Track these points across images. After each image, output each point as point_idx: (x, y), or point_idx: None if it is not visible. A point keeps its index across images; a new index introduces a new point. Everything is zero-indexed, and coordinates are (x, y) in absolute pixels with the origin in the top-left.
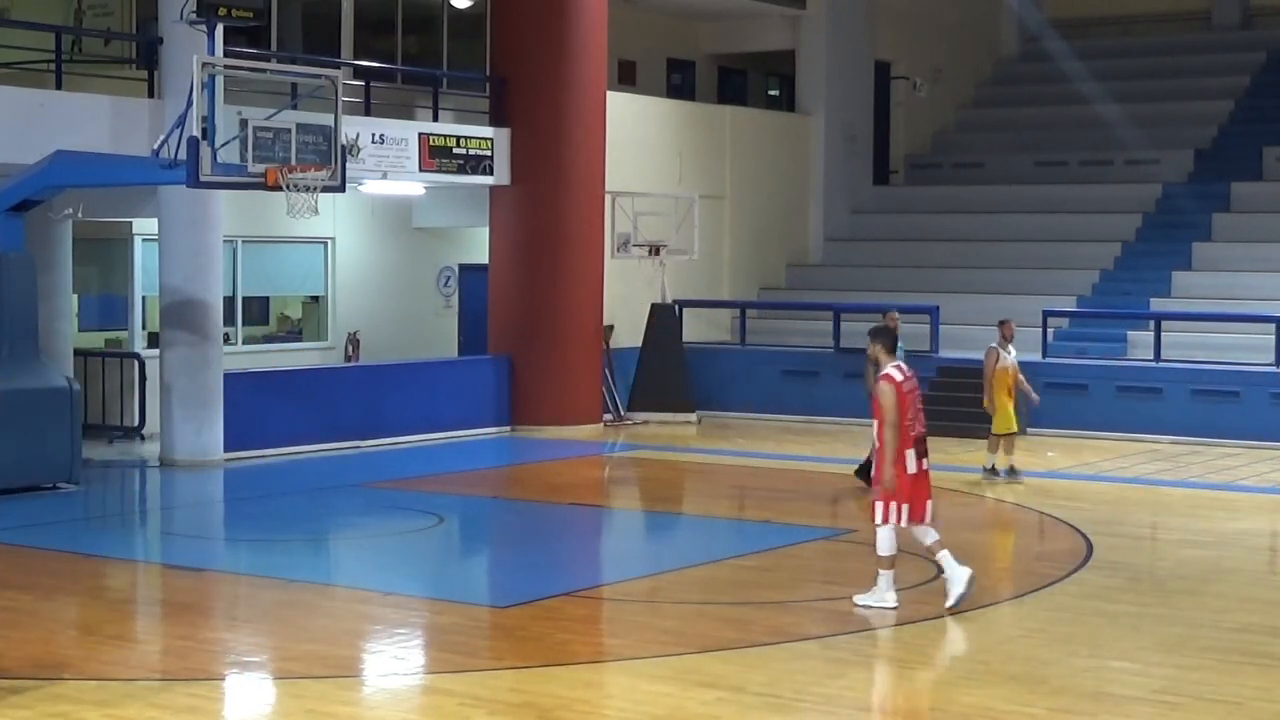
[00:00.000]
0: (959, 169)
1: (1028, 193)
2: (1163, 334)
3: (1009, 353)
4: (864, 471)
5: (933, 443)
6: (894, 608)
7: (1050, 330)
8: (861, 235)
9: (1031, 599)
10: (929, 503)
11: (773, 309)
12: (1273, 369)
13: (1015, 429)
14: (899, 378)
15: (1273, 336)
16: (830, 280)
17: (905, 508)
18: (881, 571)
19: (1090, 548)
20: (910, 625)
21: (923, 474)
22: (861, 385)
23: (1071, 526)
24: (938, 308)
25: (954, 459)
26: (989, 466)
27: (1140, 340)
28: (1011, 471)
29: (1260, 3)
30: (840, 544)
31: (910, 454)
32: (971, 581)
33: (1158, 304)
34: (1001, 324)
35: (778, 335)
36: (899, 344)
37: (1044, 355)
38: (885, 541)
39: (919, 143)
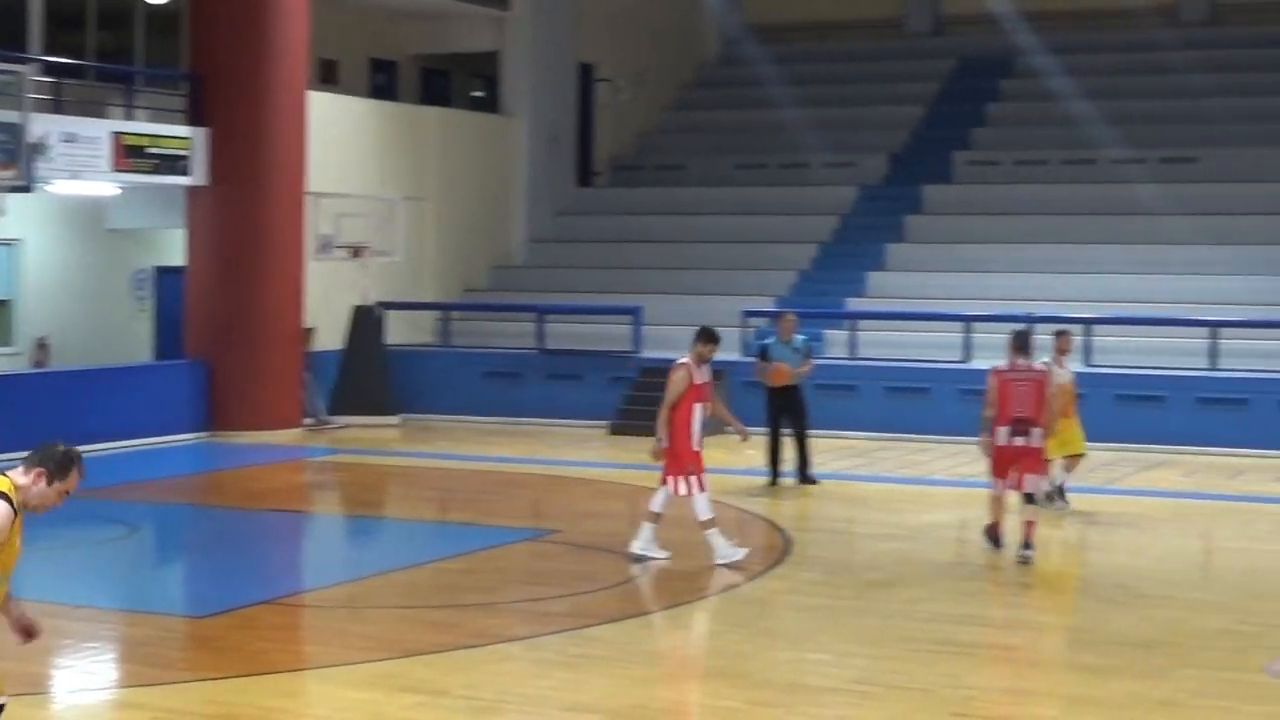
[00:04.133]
0: (661, 171)
1: (728, 195)
2: (858, 333)
3: (1065, 369)
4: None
5: (631, 443)
6: (743, 556)
7: (750, 331)
8: (565, 237)
9: (731, 594)
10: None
11: (476, 310)
12: (962, 366)
13: (1080, 450)
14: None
15: (962, 335)
16: (534, 281)
17: (695, 478)
18: (709, 533)
19: (788, 543)
20: (613, 624)
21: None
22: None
23: (770, 522)
24: (641, 308)
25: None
26: (1057, 485)
27: (837, 339)
28: (1060, 493)
29: (951, 11)
30: (544, 544)
31: (695, 433)
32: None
33: (853, 304)
34: (1058, 335)
35: (481, 337)
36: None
37: (743, 355)
38: (702, 507)
39: (622, 145)
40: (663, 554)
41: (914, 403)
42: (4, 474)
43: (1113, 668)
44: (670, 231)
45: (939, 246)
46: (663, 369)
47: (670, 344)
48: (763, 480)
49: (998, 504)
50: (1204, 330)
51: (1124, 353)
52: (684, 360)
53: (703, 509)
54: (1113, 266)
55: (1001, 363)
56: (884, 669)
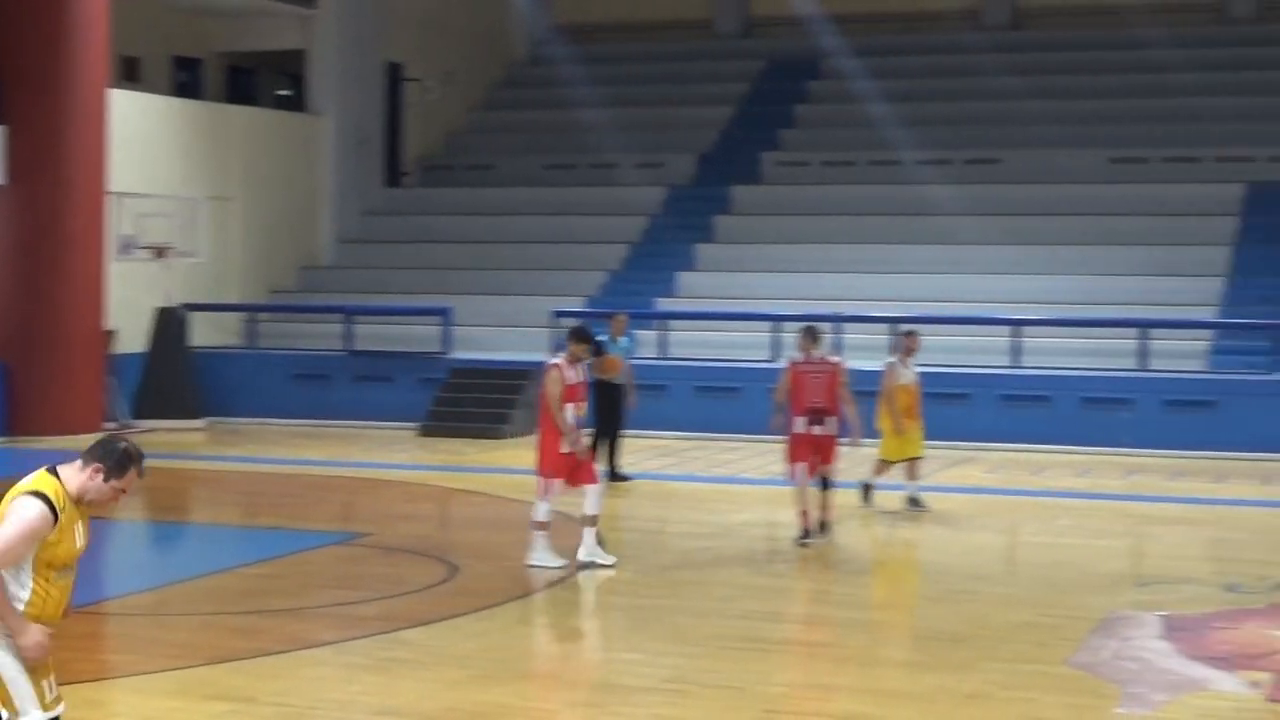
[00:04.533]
0: (470, 171)
1: (537, 195)
2: (668, 333)
3: (909, 369)
4: None
5: (443, 444)
6: (560, 566)
7: (560, 331)
8: (374, 237)
9: (544, 595)
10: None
11: (283, 312)
12: (772, 365)
13: (918, 454)
14: (566, 368)
15: (771, 335)
16: (342, 282)
17: (553, 481)
18: (538, 533)
19: (599, 543)
20: (424, 627)
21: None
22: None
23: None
24: (450, 309)
25: (465, 459)
26: (868, 484)
27: (647, 339)
28: (915, 502)
29: (760, 12)
30: (353, 548)
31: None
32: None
33: (663, 304)
34: (906, 335)
35: (288, 339)
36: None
37: (554, 355)
38: (543, 510)
39: (431, 145)
40: (608, 559)
41: (723, 402)
42: (56, 471)
43: (921, 662)
44: (480, 232)
45: (748, 247)
46: (473, 370)
47: (480, 345)
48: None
49: (800, 494)
50: (1007, 329)
51: (929, 351)
52: (555, 361)
53: (541, 512)
54: (919, 266)
55: (798, 355)
56: (697, 667)
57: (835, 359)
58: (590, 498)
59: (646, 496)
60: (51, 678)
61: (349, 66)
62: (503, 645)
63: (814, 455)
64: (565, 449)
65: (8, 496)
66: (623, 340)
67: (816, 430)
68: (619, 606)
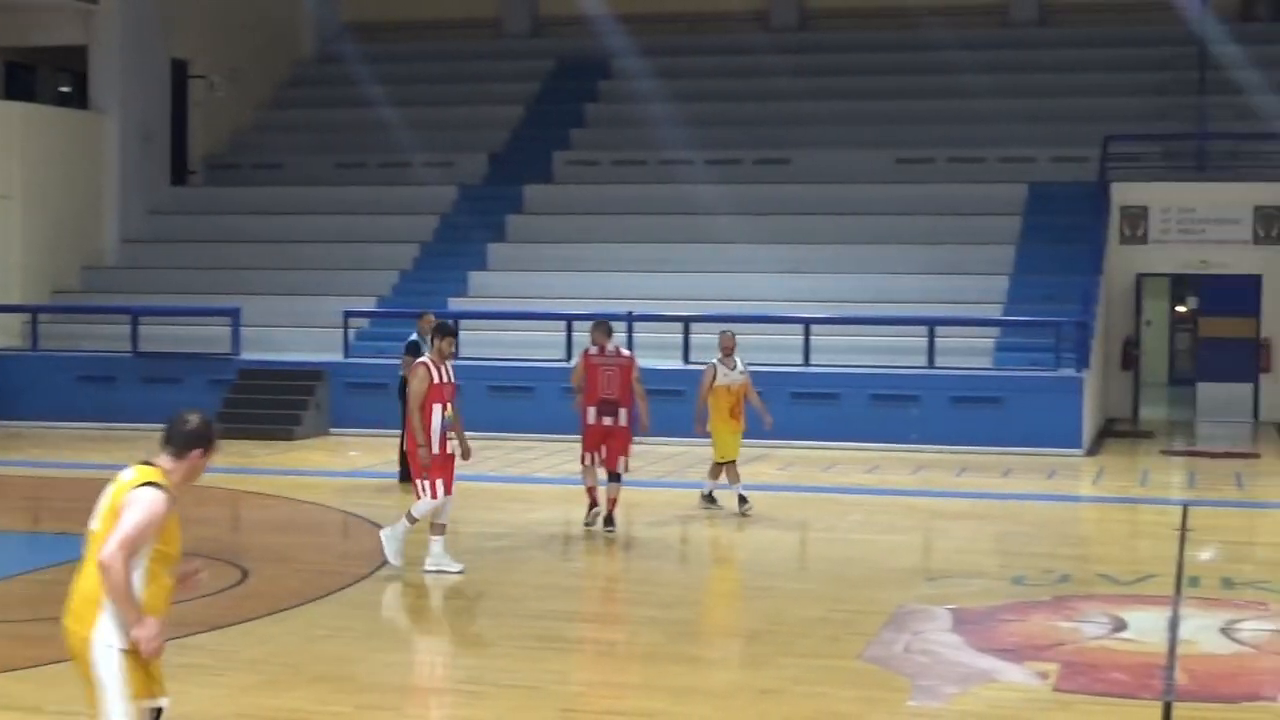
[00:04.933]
0: (259, 170)
1: (328, 194)
2: (461, 333)
3: (732, 369)
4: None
5: (234, 445)
6: (399, 565)
7: (352, 331)
8: (160, 236)
9: (337, 597)
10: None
11: (66, 313)
12: (565, 365)
13: (732, 456)
14: (433, 367)
15: (564, 334)
16: (127, 283)
17: (430, 482)
18: (399, 526)
19: None
20: (215, 631)
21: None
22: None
23: (375, 525)
24: (239, 309)
25: (253, 461)
26: (706, 493)
27: None
28: (740, 500)
29: (549, 12)
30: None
31: (436, 435)
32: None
33: (455, 303)
34: (720, 335)
35: (72, 340)
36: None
37: (346, 356)
38: (421, 508)
39: (218, 143)
40: (456, 566)
41: (517, 401)
42: (152, 464)
43: (716, 659)
44: (269, 231)
45: (540, 246)
46: (263, 370)
47: (271, 345)
48: (373, 481)
49: (589, 472)
50: (797, 327)
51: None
52: (422, 359)
53: (420, 509)
54: (709, 265)
55: (592, 348)
56: (492, 668)
57: (628, 353)
58: (438, 506)
59: None
60: (156, 687)
61: (132, 63)
62: (295, 649)
63: (604, 446)
64: (437, 449)
65: (114, 494)
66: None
67: (607, 421)
68: (414, 608)
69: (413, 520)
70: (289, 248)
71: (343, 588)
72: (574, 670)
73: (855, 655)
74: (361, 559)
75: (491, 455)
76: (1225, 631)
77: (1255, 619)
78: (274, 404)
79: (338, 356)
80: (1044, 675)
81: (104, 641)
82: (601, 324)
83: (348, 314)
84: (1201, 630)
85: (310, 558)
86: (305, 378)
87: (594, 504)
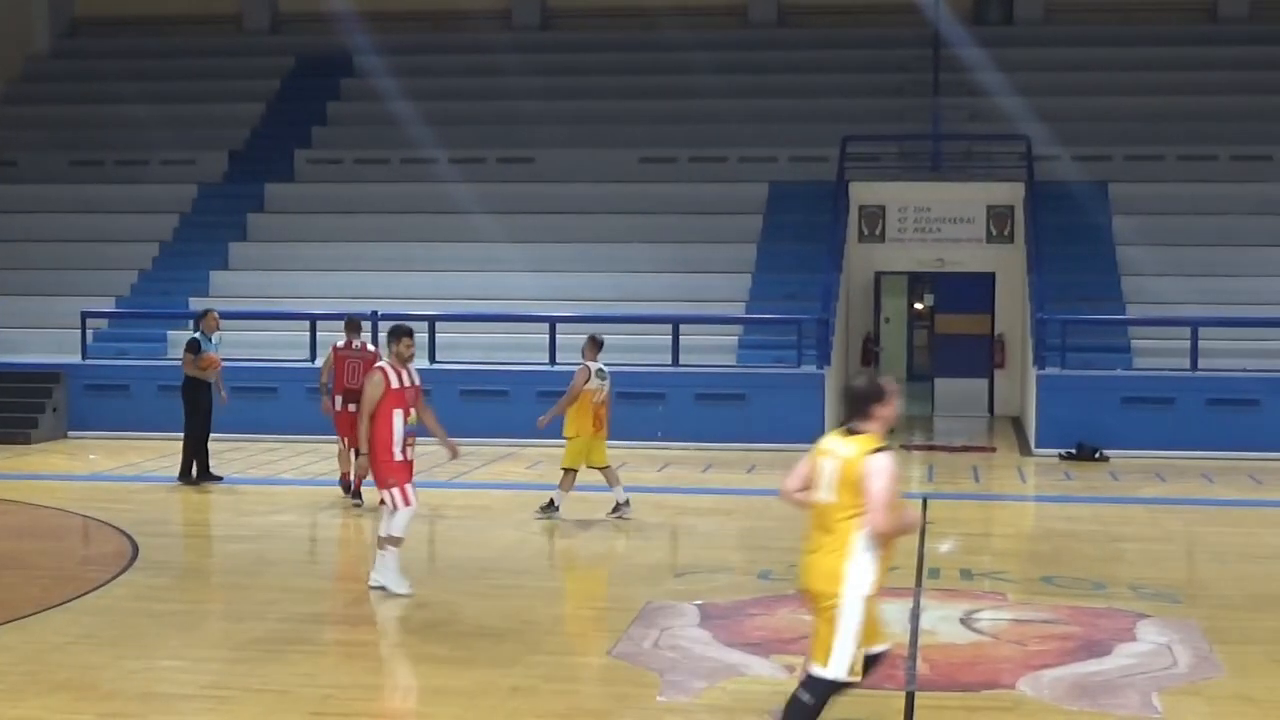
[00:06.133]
0: None
1: (64, 192)
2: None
3: (598, 377)
4: None
5: None
6: (406, 592)
7: (90, 331)
8: None
9: (78, 604)
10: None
11: None
12: (309, 365)
13: (605, 462)
14: (390, 371)
15: (308, 333)
16: None
17: (396, 491)
18: (388, 551)
19: (136, 548)
20: None
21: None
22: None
23: (116, 529)
24: None
25: None
26: (550, 503)
27: (180, 340)
28: (619, 507)
29: (289, 9)
30: None
31: (397, 441)
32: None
33: (197, 303)
34: (589, 338)
35: None
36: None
37: (84, 357)
38: (399, 523)
39: None
40: (406, 588)
41: (261, 402)
42: (854, 430)
43: (466, 658)
44: (3, 230)
45: (282, 244)
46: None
47: (6, 346)
48: (116, 485)
49: (343, 458)
50: (545, 325)
51: (468, 349)
52: (381, 364)
53: (398, 525)
54: (454, 264)
55: (340, 342)
56: (239, 672)
57: (373, 348)
58: (397, 518)
59: (183, 501)
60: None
61: None
62: (34, 657)
63: (352, 430)
64: (399, 456)
65: (849, 465)
66: (216, 337)
67: (352, 408)
68: (157, 613)
69: (396, 541)
70: (24, 247)
71: (84, 593)
72: (323, 673)
73: (605, 652)
74: (103, 564)
75: (236, 457)
76: (964, 621)
77: (993, 609)
78: (10, 406)
79: (76, 358)
80: (791, 668)
81: (855, 593)
82: (353, 321)
83: (85, 314)
84: (942, 620)
85: (50, 564)
86: (42, 379)
87: (347, 487)
